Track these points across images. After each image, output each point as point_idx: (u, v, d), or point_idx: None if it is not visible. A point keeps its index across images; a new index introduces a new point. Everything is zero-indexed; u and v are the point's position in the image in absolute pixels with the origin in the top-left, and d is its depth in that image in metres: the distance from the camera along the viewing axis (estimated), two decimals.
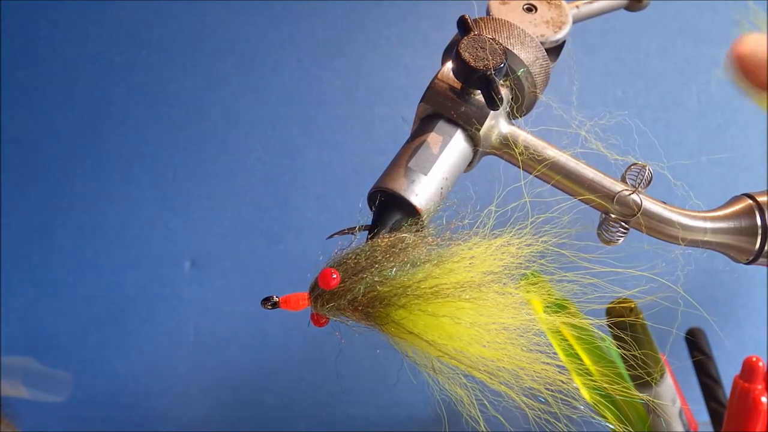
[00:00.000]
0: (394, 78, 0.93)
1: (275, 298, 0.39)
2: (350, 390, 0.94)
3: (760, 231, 0.48)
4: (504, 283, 0.40)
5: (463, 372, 0.40)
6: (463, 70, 0.43)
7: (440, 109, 0.45)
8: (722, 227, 0.48)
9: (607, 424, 0.64)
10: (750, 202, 0.49)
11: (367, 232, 0.41)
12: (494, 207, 0.41)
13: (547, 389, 0.40)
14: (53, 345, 0.94)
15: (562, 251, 0.42)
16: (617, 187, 0.46)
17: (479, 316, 0.39)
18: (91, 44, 0.94)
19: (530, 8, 0.51)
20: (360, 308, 0.39)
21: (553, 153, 0.46)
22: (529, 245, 0.41)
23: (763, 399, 0.60)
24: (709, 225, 0.48)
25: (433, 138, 0.44)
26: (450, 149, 0.44)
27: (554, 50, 0.51)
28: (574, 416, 0.42)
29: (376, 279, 0.39)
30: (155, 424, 0.94)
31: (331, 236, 0.41)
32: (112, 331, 0.94)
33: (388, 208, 0.42)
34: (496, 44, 0.43)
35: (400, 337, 0.39)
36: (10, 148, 0.94)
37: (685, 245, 0.48)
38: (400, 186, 0.42)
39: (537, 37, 0.49)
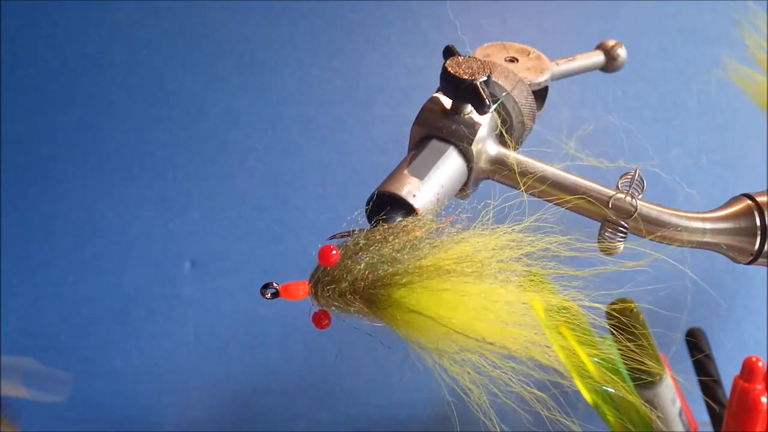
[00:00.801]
0: (394, 78, 0.94)
1: (275, 285, 0.39)
2: (350, 390, 0.94)
3: (759, 231, 0.48)
4: (506, 260, 0.40)
5: (468, 351, 0.39)
6: (450, 83, 0.45)
7: (433, 129, 0.47)
8: (721, 228, 0.48)
9: (608, 424, 0.64)
10: (749, 202, 0.49)
11: None
12: (493, 202, 0.42)
13: (546, 392, 0.40)
14: (53, 345, 0.94)
15: (562, 252, 0.42)
16: (612, 192, 0.46)
17: (482, 289, 0.39)
18: (91, 44, 0.94)
19: (512, 60, 0.54)
20: (360, 290, 0.38)
21: (545, 168, 0.48)
22: (530, 241, 0.41)
23: (763, 399, 0.60)
24: (708, 226, 0.48)
25: (428, 152, 0.46)
26: (444, 161, 0.46)
27: (538, 95, 0.54)
28: (574, 421, 0.42)
29: (376, 259, 0.39)
30: (155, 424, 0.94)
31: (330, 238, 0.41)
32: (112, 331, 0.94)
33: (386, 207, 0.42)
34: (481, 60, 0.46)
35: (402, 319, 0.38)
36: (10, 148, 0.94)
37: (684, 246, 0.48)
38: (398, 188, 0.43)
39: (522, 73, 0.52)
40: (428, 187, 0.44)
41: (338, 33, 0.94)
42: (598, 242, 0.47)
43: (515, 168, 0.47)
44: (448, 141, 0.47)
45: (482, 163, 0.48)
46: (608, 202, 0.46)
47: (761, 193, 0.49)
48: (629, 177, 0.47)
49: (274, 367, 0.94)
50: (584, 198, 0.47)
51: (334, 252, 0.38)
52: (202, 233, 0.93)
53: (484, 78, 0.44)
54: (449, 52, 0.47)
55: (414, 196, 0.43)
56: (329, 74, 0.94)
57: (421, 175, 0.44)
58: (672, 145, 0.94)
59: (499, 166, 0.48)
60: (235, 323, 0.94)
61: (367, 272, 0.38)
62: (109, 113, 0.94)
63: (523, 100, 0.51)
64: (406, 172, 0.44)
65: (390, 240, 0.39)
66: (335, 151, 0.94)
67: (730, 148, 0.93)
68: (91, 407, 0.94)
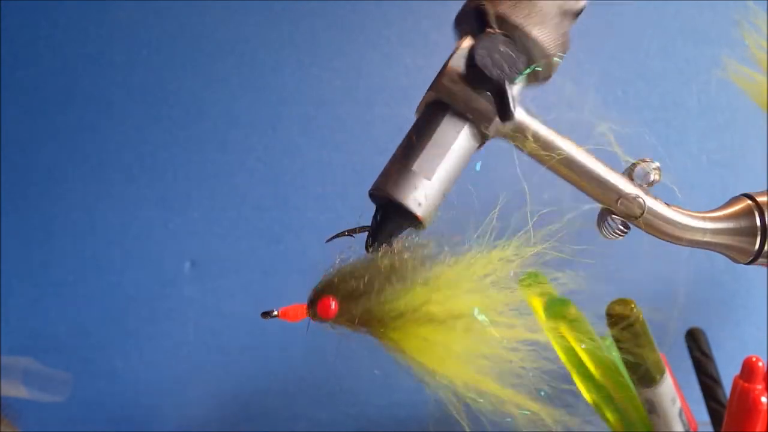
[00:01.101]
0: (394, 78, 0.93)
1: (275, 312, 0.40)
2: (350, 390, 0.94)
3: (759, 231, 0.48)
4: (500, 312, 0.41)
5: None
6: (477, 74, 0.40)
7: (450, 100, 0.42)
8: (721, 228, 0.48)
9: (608, 424, 0.64)
10: (749, 202, 0.49)
11: (366, 234, 0.41)
12: (494, 219, 0.41)
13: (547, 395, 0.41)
14: (53, 345, 0.94)
15: (562, 255, 0.42)
16: (623, 186, 0.45)
17: (470, 344, 0.40)
18: (91, 44, 0.94)
19: None
20: (357, 326, 0.40)
21: (562, 144, 0.45)
22: (530, 252, 0.41)
23: (763, 399, 0.60)
24: (708, 225, 0.48)
25: (439, 134, 0.42)
26: (456, 147, 0.42)
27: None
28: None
29: (374, 302, 0.39)
30: (155, 424, 0.94)
31: (330, 239, 0.41)
32: (112, 331, 0.94)
33: (389, 212, 0.42)
34: (514, 45, 0.40)
35: (394, 351, 0.40)
36: (10, 148, 0.94)
37: (684, 245, 0.48)
38: (402, 194, 0.41)
39: (557, 8, 0.45)
40: (435, 187, 0.42)
41: (338, 33, 0.94)
42: (598, 228, 0.47)
43: (532, 140, 0.44)
44: (464, 117, 0.42)
45: (499, 131, 0.44)
46: (618, 199, 0.45)
47: (761, 193, 0.49)
48: (644, 167, 0.46)
49: (274, 367, 0.94)
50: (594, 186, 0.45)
51: (333, 306, 0.39)
52: (202, 233, 0.93)
53: (516, 75, 0.40)
54: (482, 21, 0.41)
55: (419, 204, 0.41)
56: (329, 74, 0.94)
57: (428, 174, 0.41)
58: (672, 145, 0.94)
59: (517, 133, 0.44)
60: (235, 323, 0.94)
61: (364, 314, 0.40)
62: (109, 113, 0.94)
63: (557, 52, 0.45)
64: (413, 168, 0.41)
65: (389, 283, 0.39)
66: (335, 151, 0.93)
67: (730, 148, 0.93)
68: (91, 407, 0.94)
